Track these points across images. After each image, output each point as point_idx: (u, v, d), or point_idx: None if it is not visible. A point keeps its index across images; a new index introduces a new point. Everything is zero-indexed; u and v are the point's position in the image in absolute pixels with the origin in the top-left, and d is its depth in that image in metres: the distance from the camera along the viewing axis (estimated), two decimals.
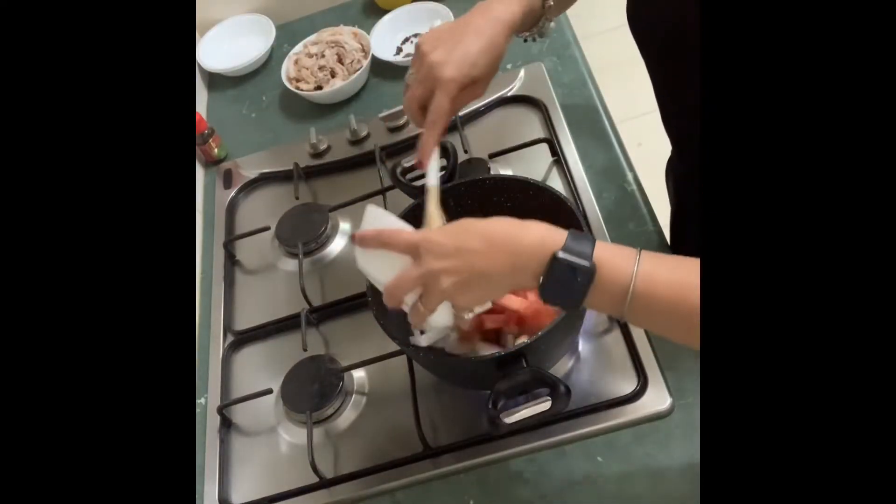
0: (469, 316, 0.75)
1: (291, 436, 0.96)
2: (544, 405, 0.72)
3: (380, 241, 0.72)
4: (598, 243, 0.63)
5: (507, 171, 1.09)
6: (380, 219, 0.77)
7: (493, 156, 1.10)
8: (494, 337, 0.86)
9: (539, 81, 1.19)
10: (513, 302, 0.84)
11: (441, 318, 0.74)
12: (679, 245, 1.04)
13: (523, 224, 0.65)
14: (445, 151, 0.94)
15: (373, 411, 0.96)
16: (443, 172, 0.94)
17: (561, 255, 0.62)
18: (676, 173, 1.11)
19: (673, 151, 1.08)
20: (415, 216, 0.91)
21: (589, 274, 0.61)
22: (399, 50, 1.35)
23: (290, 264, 1.13)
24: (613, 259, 0.62)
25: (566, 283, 0.62)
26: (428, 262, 0.66)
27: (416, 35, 1.36)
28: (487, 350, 0.83)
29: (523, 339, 0.81)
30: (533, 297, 0.84)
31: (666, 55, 0.85)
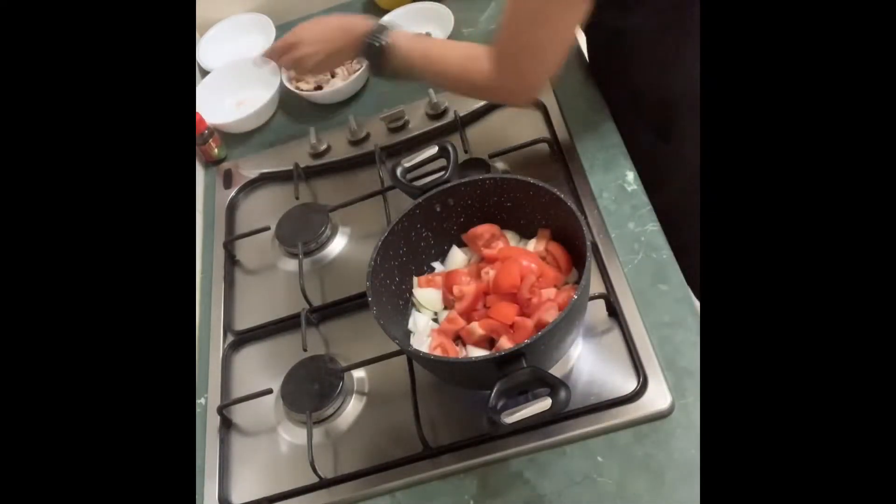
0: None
1: (291, 436, 0.96)
2: (544, 405, 0.71)
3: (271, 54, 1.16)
4: (395, 32, 1.01)
5: (507, 171, 1.09)
6: None
7: (493, 156, 1.10)
8: (487, 344, 0.86)
9: None
10: (503, 314, 0.84)
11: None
12: (679, 245, 1.04)
13: (347, 17, 1.07)
14: (445, 151, 0.94)
15: (373, 411, 0.96)
16: (442, 173, 0.94)
17: (367, 39, 1.00)
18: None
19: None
20: (415, 216, 0.92)
21: (384, 50, 1.00)
22: None
23: (290, 264, 1.13)
24: (402, 39, 1.00)
25: (371, 54, 1.01)
26: (300, 51, 1.08)
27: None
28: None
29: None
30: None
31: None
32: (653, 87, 1.02)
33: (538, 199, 0.89)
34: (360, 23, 1.02)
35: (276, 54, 1.12)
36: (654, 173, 1.06)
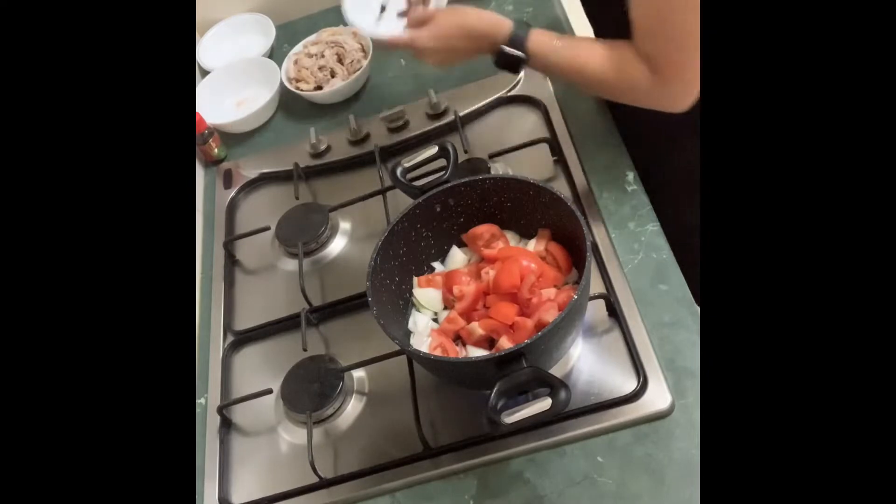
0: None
1: (291, 436, 0.96)
2: (544, 405, 0.71)
3: (387, 46, 1.08)
4: (534, 35, 0.94)
5: (507, 171, 1.09)
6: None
7: (493, 156, 1.10)
8: (487, 344, 0.86)
9: (539, 81, 1.19)
10: (503, 314, 0.84)
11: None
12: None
13: (483, 17, 0.97)
14: (445, 151, 0.94)
15: (373, 411, 0.96)
16: (442, 173, 0.94)
17: (506, 50, 0.94)
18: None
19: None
20: (415, 216, 0.92)
21: (524, 60, 0.95)
22: (382, 9, 1.22)
23: (290, 264, 1.13)
24: (541, 47, 0.94)
25: (508, 63, 0.96)
26: (422, 56, 1.01)
27: None
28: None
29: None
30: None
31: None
32: None
33: (538, 199, 0.89)
34: (498, 26, 0.95)
35: (411, 23, 1.02)
36: (658, 168, 1.05)
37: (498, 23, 0.95)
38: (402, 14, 1.07)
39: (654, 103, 0.88)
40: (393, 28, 1.08)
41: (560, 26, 1.27)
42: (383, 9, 1.17)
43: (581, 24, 1.31)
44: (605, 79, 0.89)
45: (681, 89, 0.85)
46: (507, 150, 1.09)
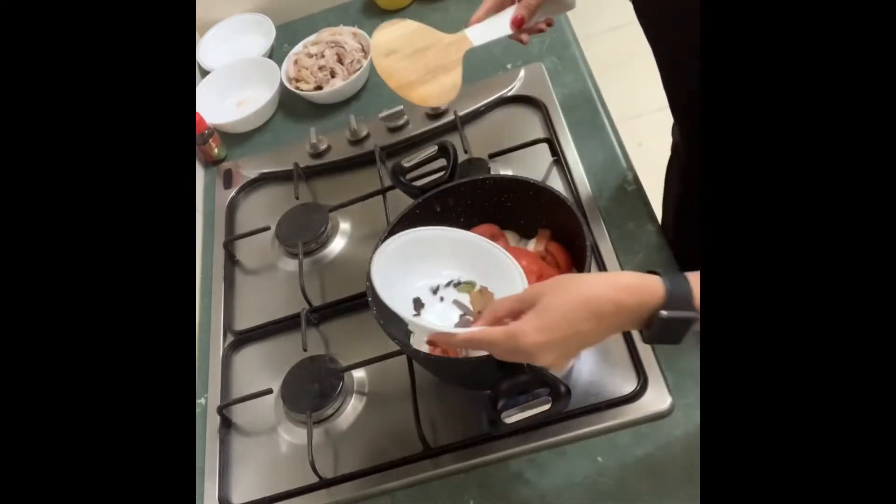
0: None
1: (291, 436, 0.96)
2: (544, 405, 0.71)
3: (471, 346, 0.72)
4: (692, 283, 0.63)
5: (507, 171, 1.09)
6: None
7: (493, 156, 1.10)
8: None
9: (539, 81, 1.19)
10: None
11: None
12: (680, 244, 1.04)
13: (616, 282, 0.66)
14: (445, 151, 0.94)
15: (373, 411, 0.96)
16: (443, 173, 0.94)
17: (665, 314, 0.63)
18: (682, 166, 1.10)
19: (681, 144, 1.07)
20: (415, 216, 0.91)
21: (693, 321, 0.63)
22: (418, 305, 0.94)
23: (290, 264, 1.13)
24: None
25: (672, 332, 0.65)
26: (534, 360, 0.67)
27: None
28: None
29: None
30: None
31: (670, 35, 0.85)
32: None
33: (538, 199, 0.89)
34: (643, 287, 0.65)
35: (491, 319, 0.70)
36: None
37: (640, 284, 0.65)
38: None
39: None
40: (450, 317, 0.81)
41: (560, 26, 1.27)
42: (419, 304, 0.84)
43: (582, 25, 1.32)
44: None
45: None
46: (507, 150, 1.09)
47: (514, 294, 0.70)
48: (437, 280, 0.85)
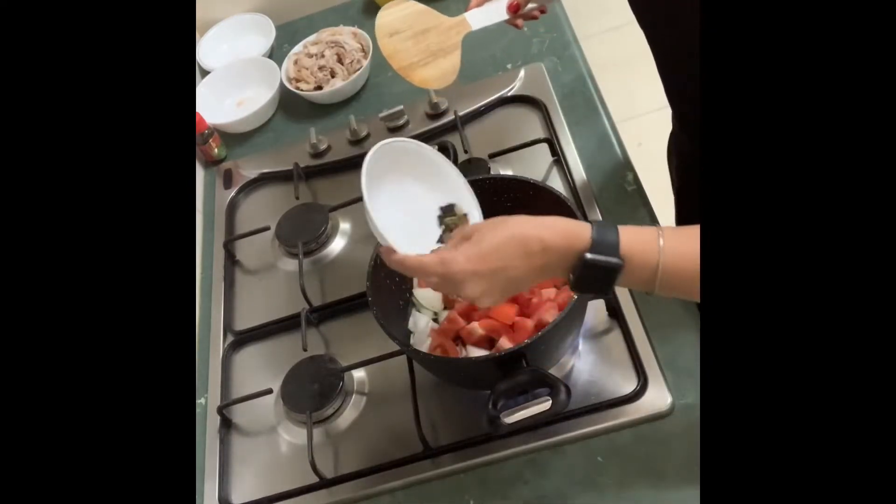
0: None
1: (291, 436, 0.96)
2: (544, 405, 0.72)
3: (403, 269, 0.73)
4: (622, 234, 0.65)
5: (507, 171, 1.09)
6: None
7: (493, 156, 1.10)
8: (487, 344, 0.87)
9: (539, 81, 1.19)
10: (503, 314, 0.84)
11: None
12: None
13: (548, 224, 0.67)
14: (445, 151, 0.94)
15: (373, 411, 0.96)
16: None
17: (589, 256, 0.64)
18: (680, 151, 1.10)
19: (676, 127, 1.07)
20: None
21: (617, 269, 0.64)
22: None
23: (290, 264, 1.13)
24: (639, 247, 0.65)
25: (596, 279, 0.65)
26: (461, 290, 0.68)
27: None
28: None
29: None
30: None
31: (666, 22, 0.85)
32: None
33: (538, 199, 0.89)
34: (572, 231, 0.66)
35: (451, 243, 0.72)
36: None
37: (570, 227, 0.66)
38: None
39: None
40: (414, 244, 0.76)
41: (560, 26, 1.27)
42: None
43: (582, 25, 1.32)
44: None
45: None
46: (507, 150, 1.09)
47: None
48: (431, 200, 0.84)
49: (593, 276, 0.65)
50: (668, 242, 0.64)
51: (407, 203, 0.81)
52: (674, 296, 0.67)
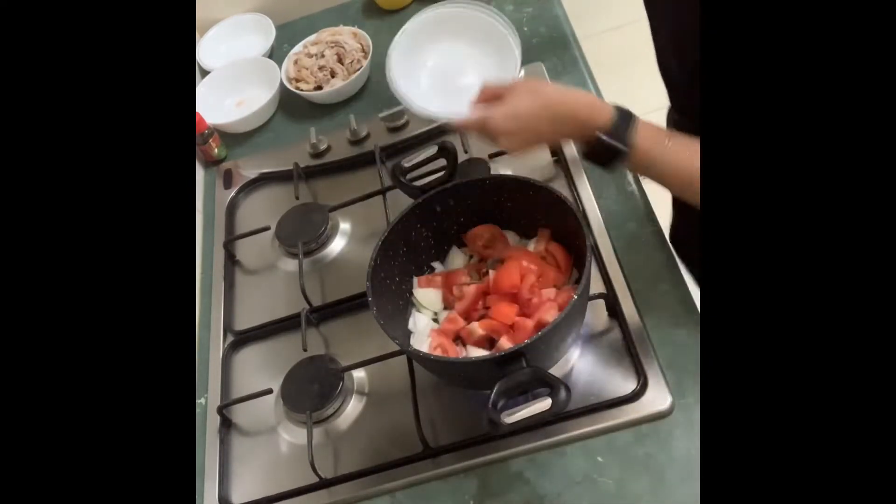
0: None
1: (291, 436, 0.96)
2: (544, 405, 0.71)
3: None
4: (639, 124, 0.76)
5: (507, 171, 1.09)
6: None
7: (493, 156, 1.10)
8: (487, 344, 0.87)
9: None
10: (503, 314, 0.84)
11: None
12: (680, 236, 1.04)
13: (577, 98, 0.80)
14: (445, 151, 0.94)
15: (373, 411, 0.96)
16: (442, 173, 0.94)
17: (603, 137, 0.76)
18: (674, 124, 1.10)
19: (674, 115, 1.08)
20: (415, 216, 0.92)
21: (623, 154, 0.77)
22: None
23: (290, 264, 1.13)
24: (647, 142, 0.77)
25: (602, 156, 0.78)
26: (496, 142, 0.82)
27: None
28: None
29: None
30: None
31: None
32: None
33: (538, 199, 0.89)
34: (595, 108, 0.78)
35: (482, 97, 0.84)
36: None
37: (595, 105, 0.78)
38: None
39: None
40: (453, 105, 0.86)
41: (560, 26, 1.27)
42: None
43: (582, 25, 1.32)
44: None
45: None
46: None
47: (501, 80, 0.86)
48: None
49: (601, 153, 0.77)
50: (673, 144, 0.76)
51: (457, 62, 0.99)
52: (656, 182, 0.80)
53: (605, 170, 0.80)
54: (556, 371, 0.88)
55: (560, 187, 1.04)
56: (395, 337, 0.82)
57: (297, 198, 1.18)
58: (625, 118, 0.76)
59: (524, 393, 0.74)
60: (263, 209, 1.22)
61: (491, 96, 0.82)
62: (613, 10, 2.33)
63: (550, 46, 1.24)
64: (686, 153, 0.75)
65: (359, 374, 0.99)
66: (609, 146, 0.76)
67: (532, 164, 1.08)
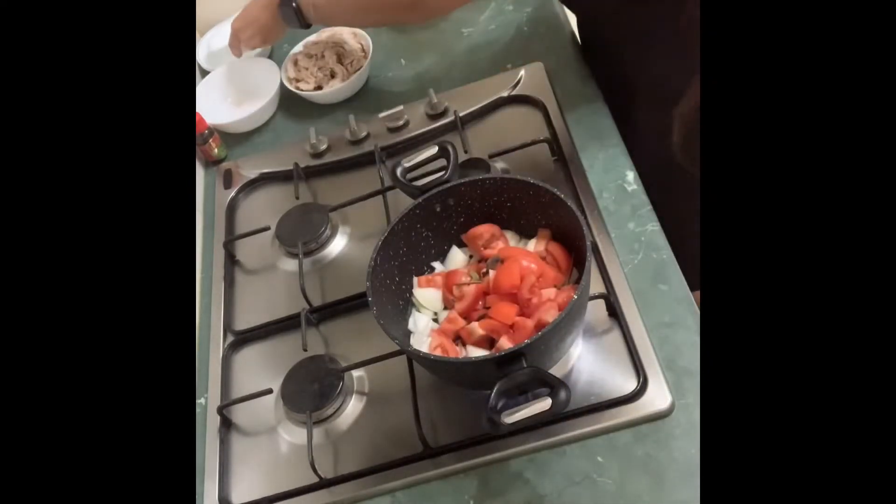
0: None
1: (291, 436, 0.96)
2: (544, 405, 0.71)
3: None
4: None
5: (507, 171, 1.09)
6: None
7: (493, 156, 1.10)
8: (487, 344, 0.86)
9: (539, 81, 1.19)
10: (503, 314, 0.84)
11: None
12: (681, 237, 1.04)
13: None
14: (445, 151, 0.94)
15: (373, 411, 0.96)
16: (442, 173, 0.94)
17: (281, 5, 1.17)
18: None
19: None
20: (415, 216, 0.92)
21: (300, 10, 1.16)
22: None
23: (290, 264, 1.13)
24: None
25: (288, 16, 1.17)
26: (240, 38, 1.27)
27: None
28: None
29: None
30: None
31: None
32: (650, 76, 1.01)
33: (538, 199, 0.89)
34: None
35: (234, 41, 1.28)
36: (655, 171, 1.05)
37: None
38: None
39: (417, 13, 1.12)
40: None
41: (560, 25, 1.27)
42: None
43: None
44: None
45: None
46: (507, 150, 1.09)
47: None
48: None
49: (287, 15, 1.17)
50: None
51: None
52: (347, 25, 1.33)
53: (301, 27, 1.19)
54: (556, 371, 0.88)
55: (560, 187, 1.04)
56: (395, 337, 0.82)
57: (297, 198, 1.18)
58: None
59: (524, 393, 0.74)
60: (263, 209, 1.22)
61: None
62: None
63: (550, 46, 1.25)
64: None
65: (359, 374, 0.99)
66: (285, 8, 1.16)
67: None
